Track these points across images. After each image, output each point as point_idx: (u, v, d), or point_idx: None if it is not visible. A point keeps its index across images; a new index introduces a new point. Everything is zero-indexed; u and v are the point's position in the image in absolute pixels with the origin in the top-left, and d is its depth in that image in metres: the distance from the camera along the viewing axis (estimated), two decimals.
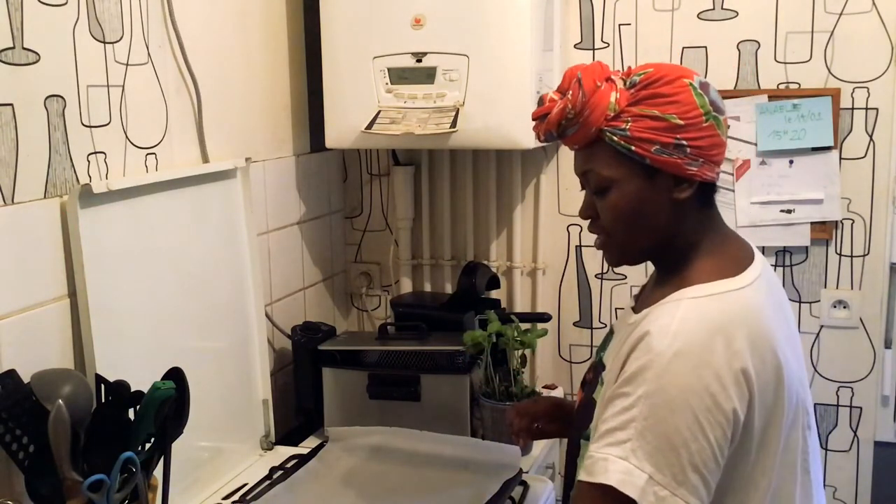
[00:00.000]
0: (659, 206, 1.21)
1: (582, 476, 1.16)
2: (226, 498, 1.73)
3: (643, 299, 1.31)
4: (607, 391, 1.20)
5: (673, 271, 1.25)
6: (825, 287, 2.18)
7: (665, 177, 1.20)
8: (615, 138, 1.18)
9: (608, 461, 1.12)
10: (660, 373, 1.11)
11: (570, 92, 1.20)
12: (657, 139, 1.17)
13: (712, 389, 1.11)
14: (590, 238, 2.28)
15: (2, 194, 1.35)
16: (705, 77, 1.24)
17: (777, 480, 1.20)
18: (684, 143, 1.18)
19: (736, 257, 1.25)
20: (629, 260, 1.30)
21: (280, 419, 2.04)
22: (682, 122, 1.17)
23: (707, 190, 1.25)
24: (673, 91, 1.18)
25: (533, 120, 1.28)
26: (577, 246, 2.34)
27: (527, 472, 1.81)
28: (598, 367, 1.33)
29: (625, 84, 1.21)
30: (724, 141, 1.23)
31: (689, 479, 1.10)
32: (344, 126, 2.09)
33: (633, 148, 1.18)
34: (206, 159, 1.85)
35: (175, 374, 1.44)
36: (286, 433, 2.08)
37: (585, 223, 1.30)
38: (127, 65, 1.62)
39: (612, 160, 1.20)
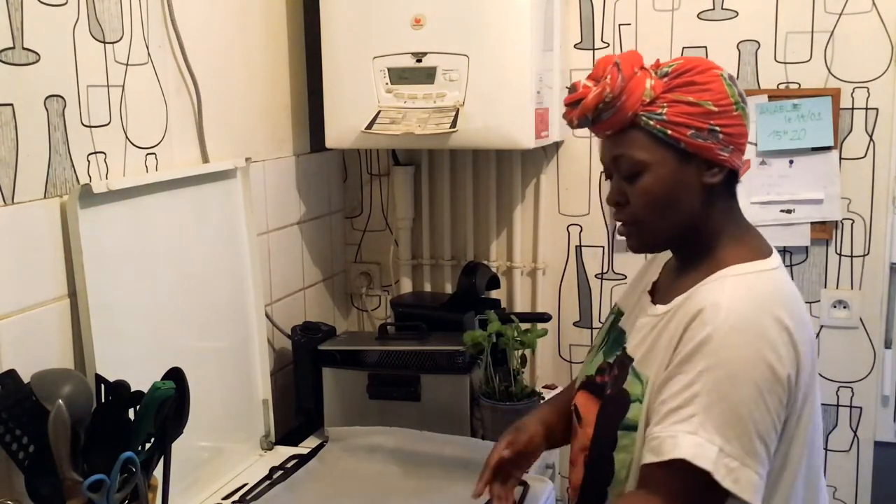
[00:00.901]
0: (690, 190, 1.25)
1: (648, 458, 1.17)
2: (226, 498, 1.73)
3: (666, 289, 1.33)
4: (660, 375, 1.21)
5: (700, 257, 1.28)
6: (825, 287, 2.18)
7: (698, 161, 1.23)
8: (651, 122, 1.22)
9: (677, 437, 1.14)
10: (718, 348, 1.15)
11: (608, 77, 1.23)
12: (692, 124, 1.21)
13: (769, 359, 1.14)
14: (589, 238, 2.30)
15: (2, 194, 1.35)
16: None
17: (807, 459, 1.24)
18: (717, 128, 1.22)
19: (759, 244, 1.29)
20: (655, 245, 1.33)
21: (280, 419, 2.04)
22: (715, 109, 1.21)
23: (732, 179, 1.29)
24: (706, 80, 1.22)
25: (566, 106, 1.30)
26: (577, 246, 2.34)
27: (527, 472, 1.81)
28: (623, 361, 1.33)
29: (660, 73, 1.25)
30: (747, 131, 1.27)
31: (755, 449, 1.14)
32: (344, 126, 2.09)
33: (668, 132, 1.21)
34: (206, 159, 1.85)
35: (175, 374, 1.44)
36: (286, 433, 2.08)
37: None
38: (127, 65, 1.62)
39: (647, 144, 1.23)
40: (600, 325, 2.33)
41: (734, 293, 1.19)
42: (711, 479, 1.12)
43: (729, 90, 1.23)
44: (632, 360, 1.30)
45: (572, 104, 1.27)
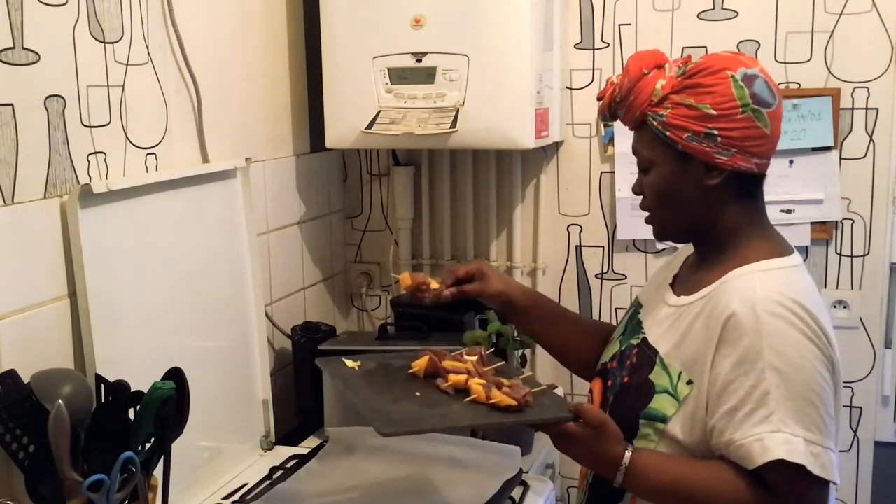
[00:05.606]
0: (691, 190, 1.29)
1: (738, 463, 1.18)
2: (226, 498, 1.73)
3: (686, 282, 1.36)
4: (705, 376, 1.22)
5: (720, 253, 1.31)
6: (825, 287, 2.18)
7: (698, 163, 1.27)
8: (654, 123, 1.28)
9: (763, 440, 1.16)
10: (769, 342, 1.18)
11: (618, 77, 1.31)
12: (690, 127, 1.25)
13: (814, 339, 1.19)
14: (589, 238, 2.30)
15: (2, 194, 1.35)
16: None
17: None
18: (715, 132, 1.24)
19: (781, 243, 1.33)
20: (669, 235, 1.37)
21: (280, 419, 2.04)
22: (714, 113, 1.24)
23: (746, 181, 1.30)
24: (713, 82, 1.25)
25: (597, 100, 1.38)
26: (577, 246, 2.34)
27: (527, 472, 1.81)
28: (644, 351, 1.34)
29: (677, 72, 1.27)
30: (764, 133, 1.28)
31: (829, 428, 1.19)
32: (344, 126, 2.09)
33: (667, 133, 1.26)
34: (206, 159, 1.85)
35: (175, 374, 1.43)
36: (286, 433, 2.08)
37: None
38: (127, 65, 1.62)
39: (653, 143, 1.29)
40: None
41: (765, 286, 1.22)
42: (805, 469, 1.15)
43: (737, 93, 1.24)
44: (656, 351, 1.31)
45: (600, 99, 1.36)
